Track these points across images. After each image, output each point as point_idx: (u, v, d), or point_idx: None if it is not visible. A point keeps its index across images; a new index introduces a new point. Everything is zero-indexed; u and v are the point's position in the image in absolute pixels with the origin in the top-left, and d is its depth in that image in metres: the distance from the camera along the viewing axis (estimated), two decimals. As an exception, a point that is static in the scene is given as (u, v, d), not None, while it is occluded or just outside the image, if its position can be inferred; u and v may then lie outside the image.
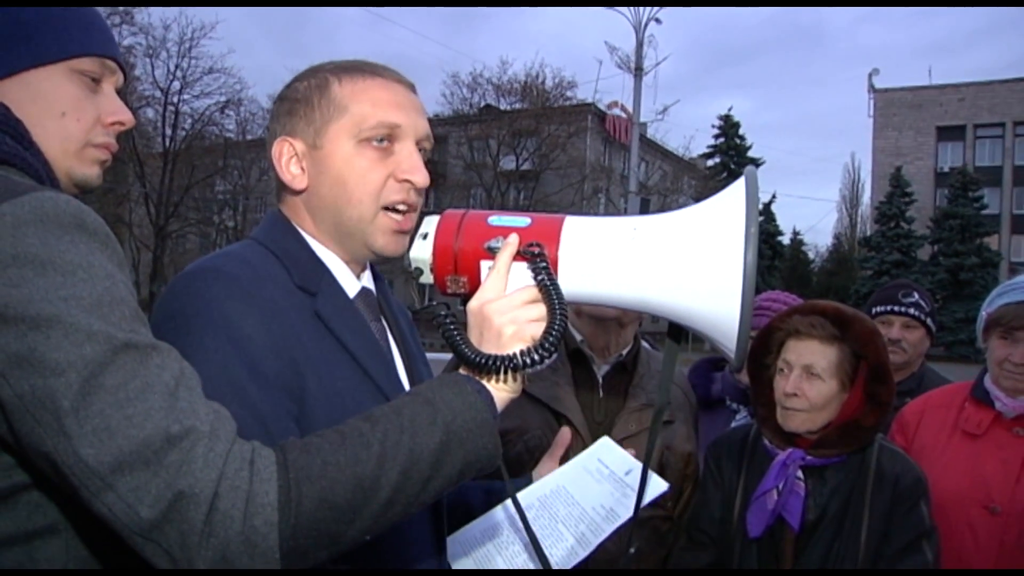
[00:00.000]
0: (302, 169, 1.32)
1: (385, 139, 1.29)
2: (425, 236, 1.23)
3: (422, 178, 1.30)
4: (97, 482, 0.85)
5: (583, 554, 1.53)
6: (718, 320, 1.10)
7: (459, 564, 1.55)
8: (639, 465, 1.64)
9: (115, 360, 0.88)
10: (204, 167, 32.52)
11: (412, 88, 1.36)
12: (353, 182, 1.28)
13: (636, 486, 1.54)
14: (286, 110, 1.33)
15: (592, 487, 1.64)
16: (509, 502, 1.46)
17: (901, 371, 2.90)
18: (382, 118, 1.28)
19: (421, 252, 1.23)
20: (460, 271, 1.21)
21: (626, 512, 1.55)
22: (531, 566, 1.53)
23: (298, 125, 1.31)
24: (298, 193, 1.33)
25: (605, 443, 1.74)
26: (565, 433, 1.76)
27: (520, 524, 1.38)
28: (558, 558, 1.53)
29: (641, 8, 24.72)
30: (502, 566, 1.55)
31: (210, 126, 32.05)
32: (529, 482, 1.70)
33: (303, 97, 1.31)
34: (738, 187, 1.13)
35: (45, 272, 0.89)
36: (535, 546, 1.37)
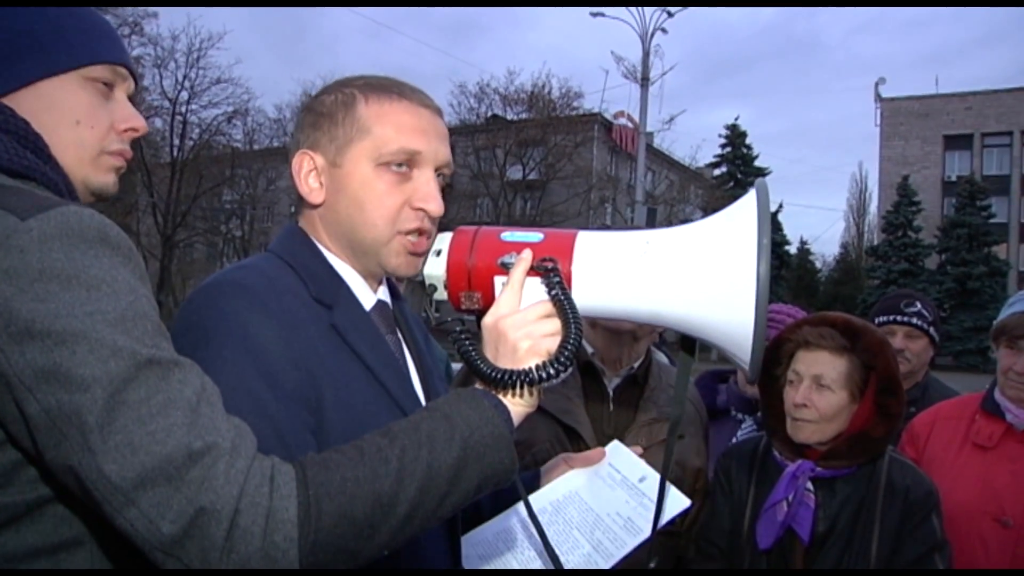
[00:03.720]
0: (320, 184, 1.32)
1: (404, 164, 1.29)
2: (439, 253, 1.24)
3: (437, 207, 1.30)
4: (120, 498, 0.86)
5: (604, 565, 1.52)
6: (733, 332, 1.11)
7: (473, 568, 1.55)
8: (652, 472, 1.64)
9: (138, 376, 0.89)
10: (211, 177, 32.59)
11: (438, 112, 1.36)
12: (370, 205, 1.29)
13: (652, 495, 1.53)
14: (310, 122, 1.33)
15: (605, 493, 1.63)
16: (521, 506, 1.46)
17: (905, 381, 2.88)
18: (403, 144, 1.28)
19: (435, 269, 1.24)
20: (474, 287, 1.22)
21: (646, 524, 1.54)
22: None
23: (320, 140, 1.31)
24: (315, 207, 1.34)
25: (615, 447, 1.74)
26: (598, 452, 1.73)
27: (533, 529, 1.38)
28: (573, 564, 1.53)
29: (647, 18, 24.78)
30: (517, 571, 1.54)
31: (217, 136, 32.15)
32: (537, 477, 1.69)
33: (328, 112, 1.31)
34: (749, 199, 1.14)
35: (70, 287, 0.90)
36: (550, 554, 1.38)
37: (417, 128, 1.30)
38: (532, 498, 1.56)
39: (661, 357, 2.89)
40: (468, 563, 1.53)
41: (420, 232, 1.31)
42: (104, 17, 1.22)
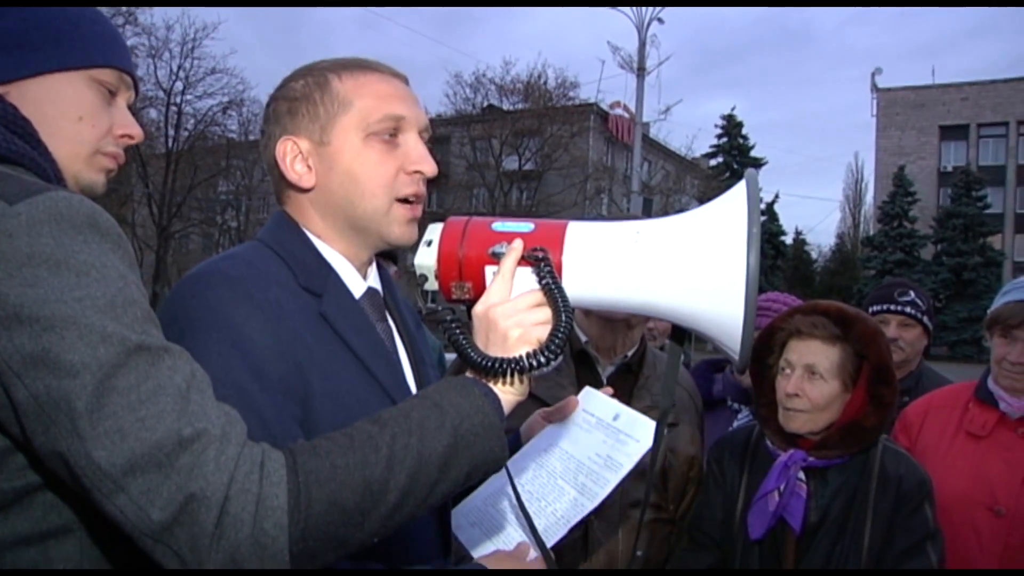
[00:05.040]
0: (308, 167, 1.32)
1: (391, 132, 1.30)
2: (430, 243, 1.24)
3: (430, 168, 1.32)
4: (109, 484, 0.86)
5: (591, 506, 1.53)
6: (722, 322, 1.11)
7: (466, 533, 1.57)
8: (625, 409, 1.64)
9: (128, 362, 0.89)
10: (207, 167, 32.42)
11: (406, 81, 1.38)
12: (365, 176, 1.29)
13: (628, 429, 1.57)
14: (285, 110, 1.33)
15: (583, 438, 1.64)
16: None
17: (899, 370, 2.90)
18: (388, 111, 1.29)
19: (426, 259, 1.24)
20: (465, 277, 1.22)
21: (626, 459, 1.55)
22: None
23: (301, 123, 1.31)
24: (304, 191, 1.33)
25: (587, 392, 1.74)
26: (572, 402, 1.72)
27: (514, 498, 1.40)
28: (562, 511, 1.54)
29: (643, 8, 24.69)
30: (508, 531, 1.56)
31: (213, 126, 31.95)
32: (517, 438, 1.70)
33: (303, 95, 1.31)
34: (739, 189, 1.14)
35: (59, 272, 0.89)
36: (530, 527, 1.41)
37: (395, 95, 1.32)
38: (515, 459, 1.59)
39: None
40: (459, 531, 1.55)
41: (416, 196, 1.32)
42: (116, 27, 1.26)
